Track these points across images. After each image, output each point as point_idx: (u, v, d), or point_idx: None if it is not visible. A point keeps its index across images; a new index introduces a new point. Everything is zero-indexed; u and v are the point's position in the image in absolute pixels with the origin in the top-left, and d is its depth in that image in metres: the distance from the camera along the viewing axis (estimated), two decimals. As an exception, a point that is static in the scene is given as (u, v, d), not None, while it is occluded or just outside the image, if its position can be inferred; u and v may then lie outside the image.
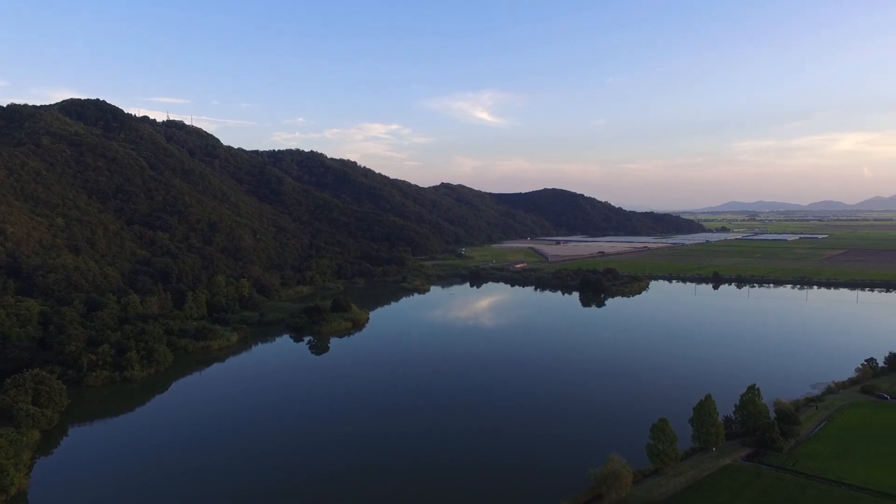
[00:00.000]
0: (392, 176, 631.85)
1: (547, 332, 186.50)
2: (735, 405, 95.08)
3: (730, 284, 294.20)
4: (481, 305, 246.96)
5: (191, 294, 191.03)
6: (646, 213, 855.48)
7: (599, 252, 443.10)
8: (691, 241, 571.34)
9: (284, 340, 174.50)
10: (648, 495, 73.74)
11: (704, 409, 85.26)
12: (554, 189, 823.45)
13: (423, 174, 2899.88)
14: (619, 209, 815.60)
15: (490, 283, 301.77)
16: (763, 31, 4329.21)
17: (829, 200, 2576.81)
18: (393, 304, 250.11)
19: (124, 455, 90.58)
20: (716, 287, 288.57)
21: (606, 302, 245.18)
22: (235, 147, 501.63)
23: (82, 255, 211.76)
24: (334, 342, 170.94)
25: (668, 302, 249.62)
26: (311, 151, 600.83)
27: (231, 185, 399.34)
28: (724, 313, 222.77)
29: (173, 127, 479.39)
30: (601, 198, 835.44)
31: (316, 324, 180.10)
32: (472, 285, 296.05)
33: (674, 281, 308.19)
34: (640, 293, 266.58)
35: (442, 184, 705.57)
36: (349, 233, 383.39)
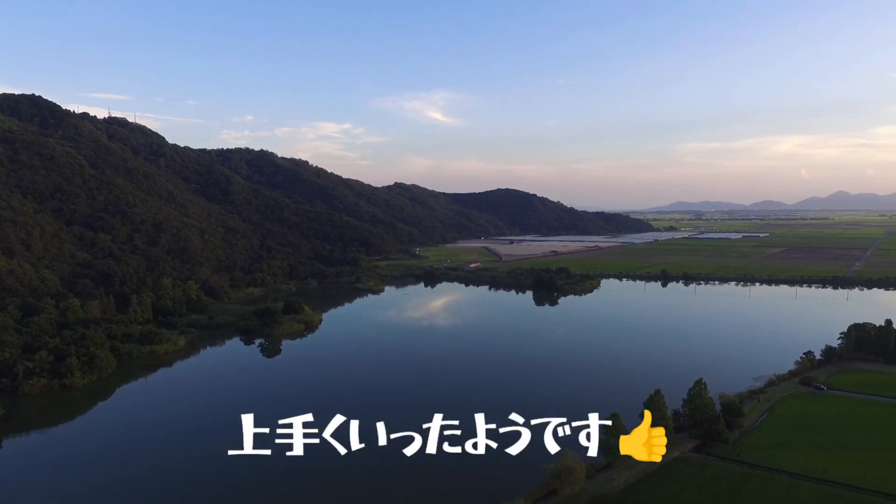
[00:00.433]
0: (345, 175, 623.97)
1: (501, 331, 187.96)
2: (683, 399, 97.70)
3: (678, 282, 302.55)
4: (436, 305, 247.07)
5: (135, 297, 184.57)
6: (597, 212, 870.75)
7: (552, 251, 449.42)
8: (640, 240, 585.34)
9: (234, 343, 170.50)
10: (601, 489, 75.10)
11: (654, 403, 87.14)
12: (507, 189, 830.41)
13: (376, 174, 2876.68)
14: (571, 209, 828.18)
15: (445, 283, 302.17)
16: (707, 38, 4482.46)
17: (770, 200, 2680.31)
18: (347, 305, 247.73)
19: (62, 464, 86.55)
20: (664, 284, 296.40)
21: (559, 300, 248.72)
22: (182, 145, 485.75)
23: (17, 258, 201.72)
24: (286, 344, 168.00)
25: (619, 300, 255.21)
26: (262, 150, 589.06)
27: (178, 184, 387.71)
28: (672, 310, 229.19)
29: (116, 124, 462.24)
30: (553, 198, 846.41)
31: (267, 326, 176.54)
32: (426, 285, 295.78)
33: (624, 279, 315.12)
34: (591, 291, 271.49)
35: (396, 183, 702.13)
36: (301, 233, 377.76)
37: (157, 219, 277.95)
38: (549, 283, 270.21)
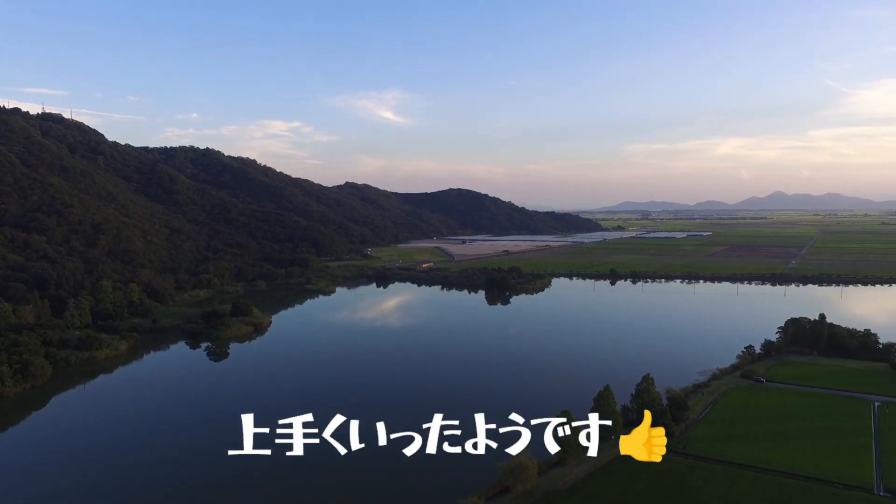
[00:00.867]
0: (294, 175, 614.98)
1: (453, 331, 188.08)
2: (631, 394, 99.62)
3: (626, 280, 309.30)
4: (388, 305, 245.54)
5: (72, 301, 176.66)
6: (547, 212, 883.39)
7: (504, 251, 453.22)
8: (590, 240, 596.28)
9: (180, 347, 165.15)
10: (553, 485, 75.81)
11: (604, 399, 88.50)
12: (459, 189, 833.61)
13: (326, 173, 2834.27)
14: (522, 209, 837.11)
15: (397, 283, 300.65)
16: (655, 45, 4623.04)
17: (713, 200, 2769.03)
18: (297, 306, 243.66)
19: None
20: (613, 283, 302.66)
21: (511, 299, 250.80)
22: (122, 143, 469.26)
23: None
24: (234, 347, 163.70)
25: (569, 298, 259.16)
26: (207, 149, 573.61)
27: (118, 183, 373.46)
28: (620, 308, 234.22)
29: (50, 120, 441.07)
30: (505, 198, 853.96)
31: (214, 329, 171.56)
32: (378, 286, 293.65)
33: (574, 278, 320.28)
34: (543, 290, 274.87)
35: (347, 183, 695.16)
36: (249, 234, 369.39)
37: (95, 219, 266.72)
38: (501, 283, 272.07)
